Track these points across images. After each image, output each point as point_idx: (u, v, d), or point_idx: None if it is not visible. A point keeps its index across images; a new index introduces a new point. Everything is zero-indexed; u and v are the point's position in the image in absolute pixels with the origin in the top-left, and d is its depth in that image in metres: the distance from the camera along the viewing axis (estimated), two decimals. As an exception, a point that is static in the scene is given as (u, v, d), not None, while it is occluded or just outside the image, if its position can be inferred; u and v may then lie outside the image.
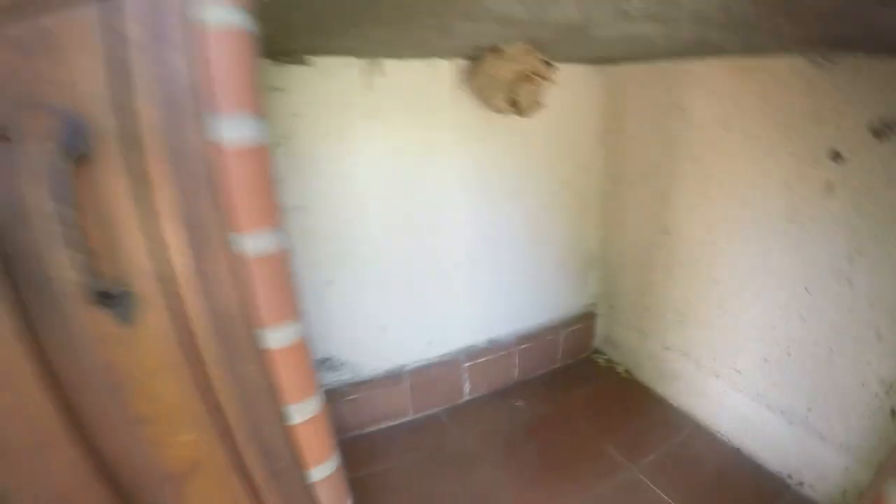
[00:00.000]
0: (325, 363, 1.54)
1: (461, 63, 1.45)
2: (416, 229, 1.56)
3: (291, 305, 0.64)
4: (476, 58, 1.38)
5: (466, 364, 1.78)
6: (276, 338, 0.62)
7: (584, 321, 2.06)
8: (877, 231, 1.12)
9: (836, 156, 1.16)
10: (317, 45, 1.16)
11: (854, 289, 1.19)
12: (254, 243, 0.57)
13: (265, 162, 0.58)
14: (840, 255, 1.20)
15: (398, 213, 1.52)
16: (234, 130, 0.54)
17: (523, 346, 1.89)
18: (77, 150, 0.49)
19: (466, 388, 1.81)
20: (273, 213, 0.59)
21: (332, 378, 1.57)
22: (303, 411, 0.69)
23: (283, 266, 0.62)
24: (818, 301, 1.27)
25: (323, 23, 0.89)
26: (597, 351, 2.12)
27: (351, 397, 1.59)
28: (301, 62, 1.25)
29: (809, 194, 1.23)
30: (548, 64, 1.37)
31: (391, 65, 1.36)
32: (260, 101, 0.56)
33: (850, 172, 1.14)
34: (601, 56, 1.54)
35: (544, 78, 1.38)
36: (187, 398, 0.60)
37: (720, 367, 1.58)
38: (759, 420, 1.46)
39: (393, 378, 1.66)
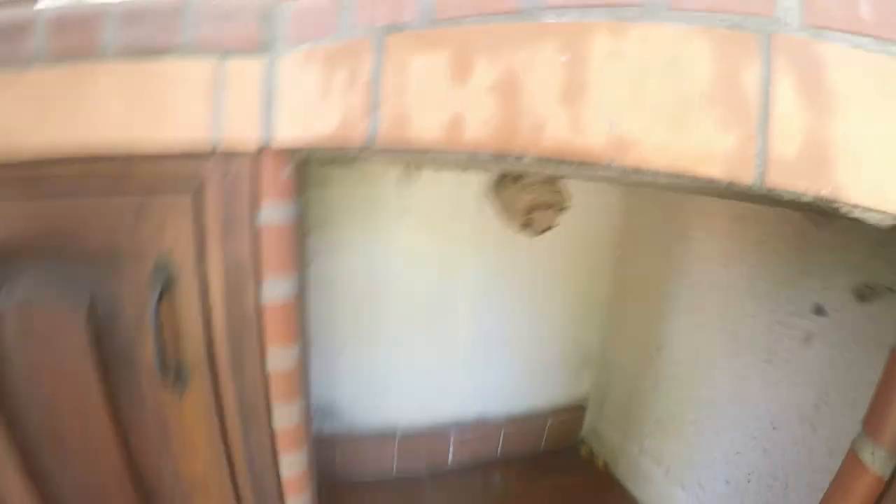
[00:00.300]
0: (326, 411, 1.70)
1: (487, 179, 1.66)
2: (426, 312, 1.76)
3: (298, 393, 0.87)
4: (500, 180, 1.55)
5: (454, 435, 1.92)
6: (282, 418, 0.86)
7: (573, 413, 2.16)
8: (845, 385, 1.19)
9: (819, 310, 1.24)
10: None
11: (816, 434, 1.26)
12: (276, 357, 0.82)
13: (295, 308, 0.82)
14: (808, 401, 1.27)
15: (413, 297, 1.72)
16: (274, 290, 0.78)
17: (510, 427, 2.01)
18: (163, 286, 0.73)
19: (450, 455, 1.94)
20: (295, 337, 0.83)
21: (330, 427, 1.73)
22: (290, 465, 0.91)
23: (297, 372, 0.85)
24: (782, 439, 1.35)
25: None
26: (582, 440, 2.20)
27: (343, 447, 1.76)
28: (352, 163, 1.46)
29: (789, 340, 1.32)
30: (563, 194, 1.52)
31: (423, 175, 1.59)
32: (295, 266, 0.81)
33: (829, 327, 1.22)
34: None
35: (560, 207, 1.53)
36: (210, 444, 0.84)
37: (686, 480, 1.66)
38: (714, 539, 1.51)
39: (384, 436, 1.82)
